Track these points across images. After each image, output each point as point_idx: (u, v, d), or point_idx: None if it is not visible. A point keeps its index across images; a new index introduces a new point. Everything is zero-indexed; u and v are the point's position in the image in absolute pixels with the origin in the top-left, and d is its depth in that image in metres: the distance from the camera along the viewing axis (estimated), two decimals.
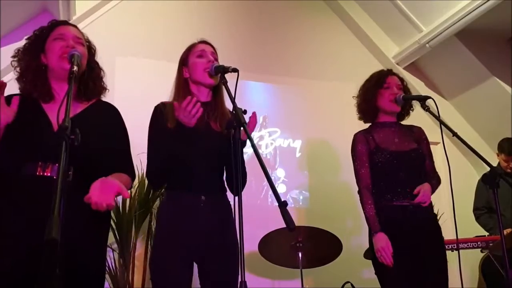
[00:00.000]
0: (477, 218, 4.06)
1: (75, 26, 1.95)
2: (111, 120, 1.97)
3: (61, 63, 1.79)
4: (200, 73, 2.13)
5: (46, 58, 1.85)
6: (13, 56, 1.88)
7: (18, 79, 1.87)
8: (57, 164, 1.67)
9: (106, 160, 1.85)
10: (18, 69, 1.86)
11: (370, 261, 2.58)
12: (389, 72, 2.73)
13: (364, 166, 2.58)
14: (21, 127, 1.76)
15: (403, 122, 2.75)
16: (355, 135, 2.68)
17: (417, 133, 2.70)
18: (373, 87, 2.66)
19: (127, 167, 1.96)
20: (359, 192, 2.59)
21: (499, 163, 4.03)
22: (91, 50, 1.95)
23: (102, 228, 1.87)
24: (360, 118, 2.80)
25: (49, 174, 1.71)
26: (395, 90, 2.62)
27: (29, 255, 1.61)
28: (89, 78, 1.91)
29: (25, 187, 1.70)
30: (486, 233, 3.84)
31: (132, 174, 1.98)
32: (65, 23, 1.95)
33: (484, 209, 4.02)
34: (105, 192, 1.65)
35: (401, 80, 2.72)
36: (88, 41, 1.96)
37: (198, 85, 2.16)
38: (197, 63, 2.14)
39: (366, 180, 2.56)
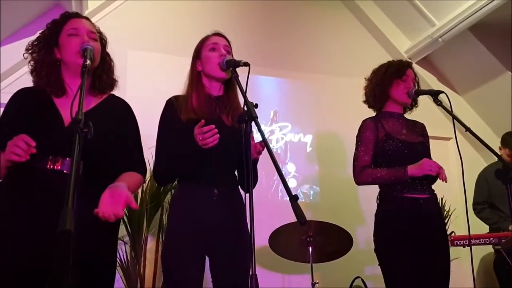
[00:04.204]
0: (478, 213, 3.91)
1: (87, 19, 1.96)
2: (124, 115, 1.98)
3: (77, 60, 1.78)
4: (213, 67, 2.12)
5: (60, 53, 1.85)
6: (27, 50, 1.88)
7: (32, 73, 1.88)
8: (67, 158, 1.71)
9: (117, 156, 1.86)
10: (31, 63, 1.87)
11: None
12: (409, 64, 2.73)
13: (368, 154, 2.57)
14: (32, 121, 1.77)
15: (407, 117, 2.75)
16: (364, 121, 2.67)
17: (421, 129, 2.72)
18: (392, 75, 2.64)
19: (138, 164, 1.97)
20: (356, 173, 2.56)
21: None
22: (102, 41, 1.95)
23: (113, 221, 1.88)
24: (366, 102, 2.78)
25: (59, 168, 1.72)
26: (411, 84, 2.64)
27: (40, 247, 1.62)
28: (102, 71, 1.92)
29: (36, 180, 1.71)
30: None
31: (143, 171, 1.99)
32: (77, 15, 1.95)
33: (485, 204, 3.89)
34: (114, 203, 1.65)
35: (415, 74, 2.73)
36: (99, 32, 1.97)
37: (211, 78, 2.16)
38: (210, 57, 2.14)
39: (366, 164, 2.54)
